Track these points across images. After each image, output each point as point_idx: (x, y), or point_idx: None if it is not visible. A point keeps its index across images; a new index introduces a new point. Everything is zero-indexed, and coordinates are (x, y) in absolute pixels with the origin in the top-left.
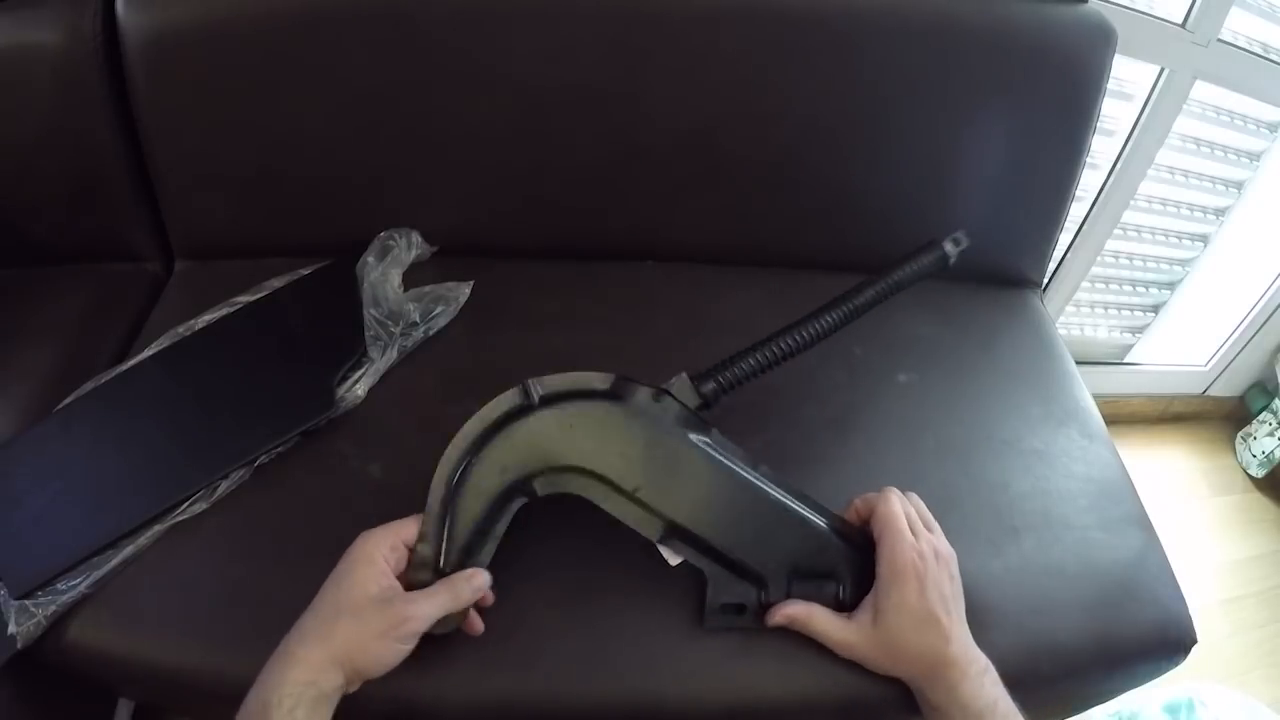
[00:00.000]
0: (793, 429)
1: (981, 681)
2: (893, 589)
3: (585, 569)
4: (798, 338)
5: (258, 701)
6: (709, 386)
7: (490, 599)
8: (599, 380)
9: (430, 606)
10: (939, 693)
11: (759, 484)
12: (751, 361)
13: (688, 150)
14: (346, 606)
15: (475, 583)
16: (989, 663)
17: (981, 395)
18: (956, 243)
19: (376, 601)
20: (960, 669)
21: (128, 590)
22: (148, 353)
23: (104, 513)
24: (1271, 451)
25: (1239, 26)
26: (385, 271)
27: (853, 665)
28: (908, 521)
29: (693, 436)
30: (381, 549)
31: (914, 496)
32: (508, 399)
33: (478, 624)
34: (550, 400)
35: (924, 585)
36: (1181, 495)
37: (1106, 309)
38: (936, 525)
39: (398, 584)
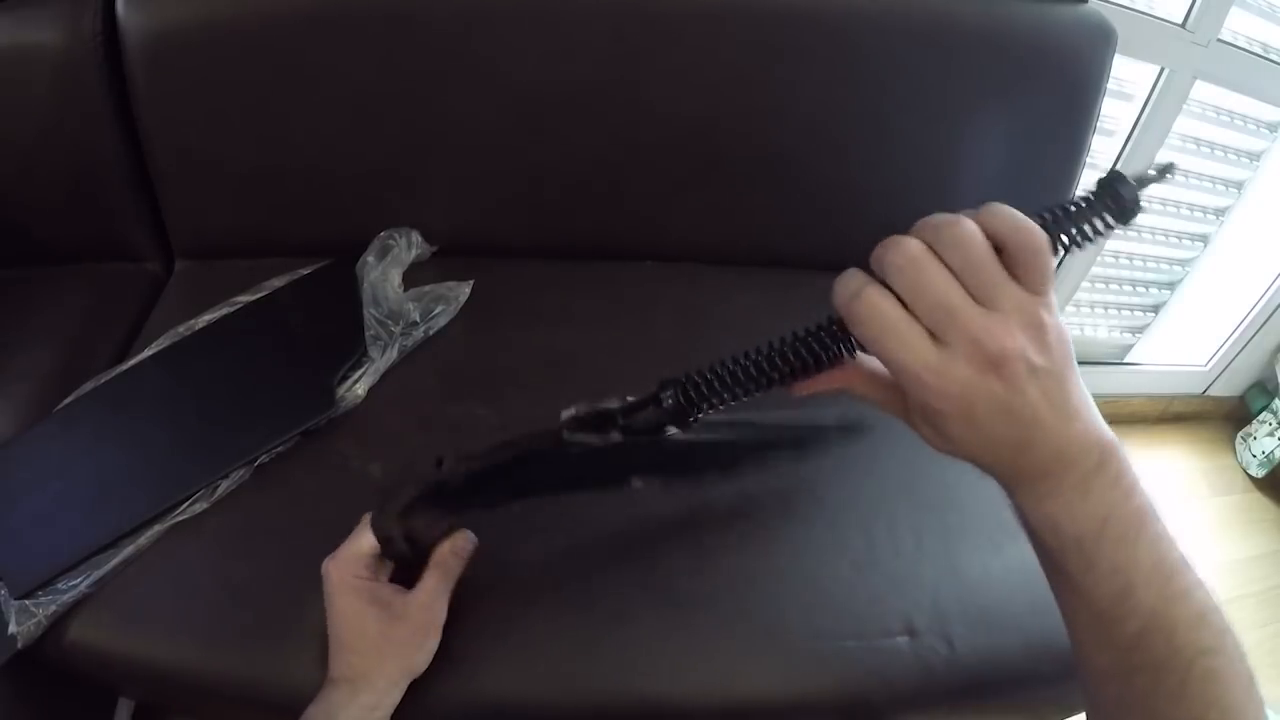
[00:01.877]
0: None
1: (1085, 491)
2: (924, 429)
3: (585, 569)
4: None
5: (323, 716)
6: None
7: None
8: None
9: (437, 596)
10: (1024, 504)
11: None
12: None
13: (688, 150)
14: (379, 639)
15: (459, 550)
16: (1107, 454)
17: None
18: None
19: (393, 619)
20: (1048, 481)
21: (128, 590)
22: (148, 353)
23: (104, 513)
24: (1271, 451)
25: (1239, 26)
26: (385, 271)
27: (852, 666)
28: (933, 300)
29: None
30: (358, 571)
31: (965, 225)
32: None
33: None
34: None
35: (972, 417)
36: (1181, 495)
37: (1106, 309)
38: (1007, 281)
39: (390, 588)
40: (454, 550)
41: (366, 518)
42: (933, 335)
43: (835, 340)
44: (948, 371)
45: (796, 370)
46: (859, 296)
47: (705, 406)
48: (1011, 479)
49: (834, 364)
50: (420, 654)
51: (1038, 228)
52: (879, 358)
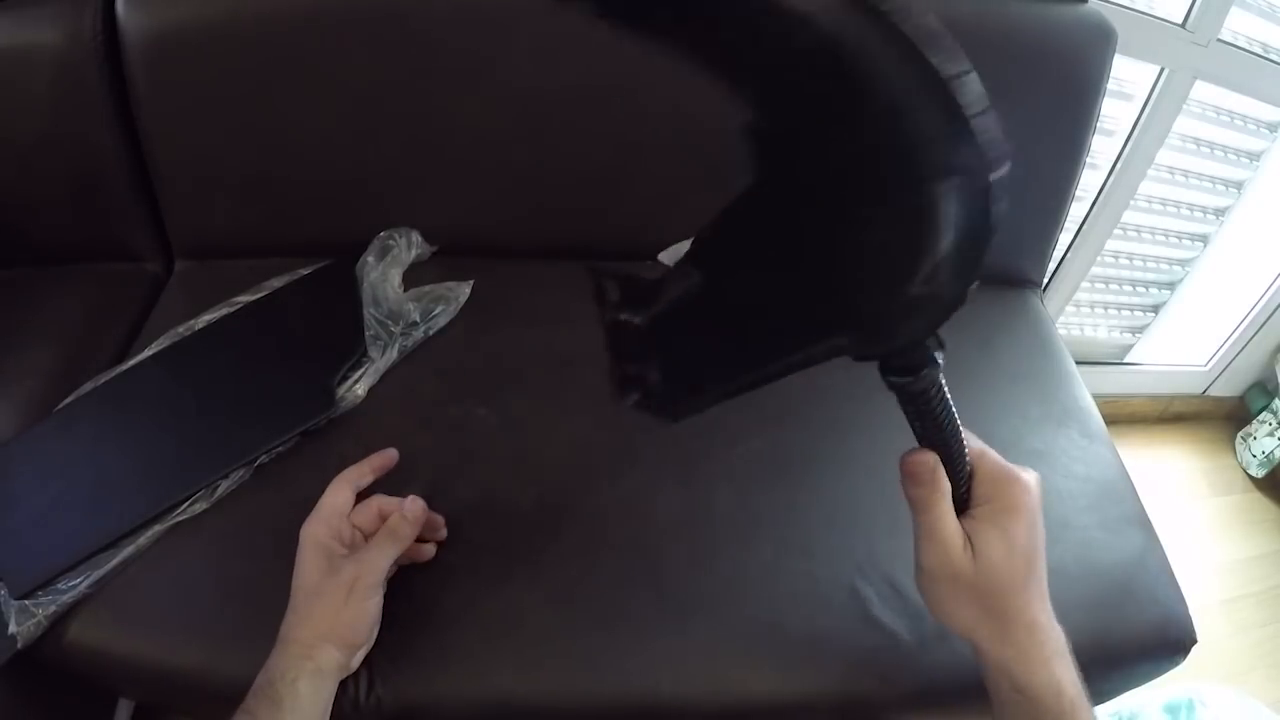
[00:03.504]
0: (793, 429)
1: (1065, 656)
2: (1001, 521)
3: (585, 569)
4: None
5: (264, 680)
6: None
7: (439, 524)
8: None
9: (375, 555)
10: (1025, 666)
11: None
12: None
13: (687, 150)
14: (310, 589)
15: (410, 515)
16: (1065, 642)
17: (981, 395)
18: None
19: (330, 572)
20: (1049, 638)
21: (128, 590)
22: (148, 353)
23: (104, 513)
24: (1271, 451)
25: (1239, 26)
26: (385, 271)
27: (852, 666)
28: None
29: None
30: (318, 530)
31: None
32: None
33: (426, 552)
34: None
35: (1034, 527)
36: (1181, 495)
37: (1106, 309)
38: None
39: (340, 549)
40: (404, 515)
41: (335, 479)
42: None
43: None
44: (1033, 488)
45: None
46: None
47: None
48: (1023, 629)
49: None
50: (347, 614)
51: None
52: (994, 456)
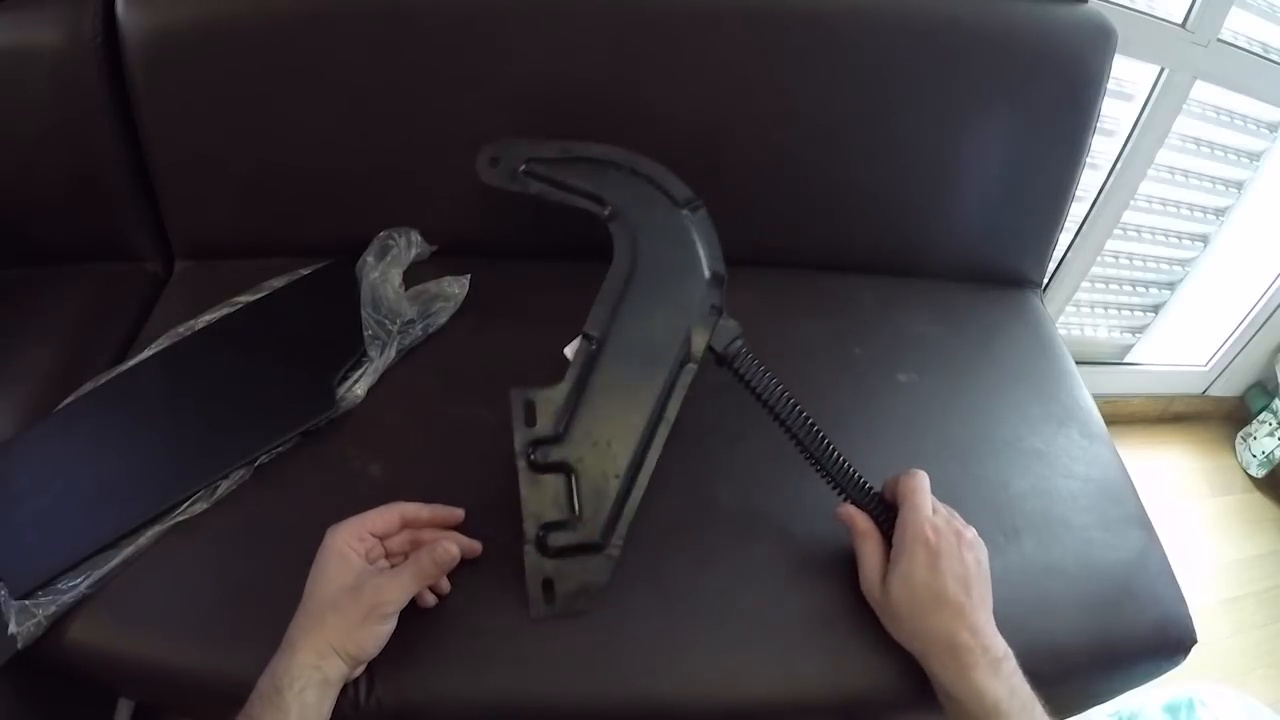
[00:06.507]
0: None
1: (997, 669)
2: (902, 558)
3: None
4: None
5: (269, 685)
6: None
7: (477, 550)
8: None
9: (396, 587)
10: (950, 677)
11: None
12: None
13: (688, 150)
14: (328, 600)
15: (438, 554)
16: (1008, 651)
17: (981, 395)
18: None
19: (351, 590)
20: (973, 655)
21: (128, 590)
22: (148, 353)
23: (104, 513)
24: (1271, 451)
25: (1239, 26)
26: (385, 271)
27: (852, 665)
28: (931, 500)
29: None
30: (350, 541)
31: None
32: None
33: (444, 586)
34: None
35: (936, 559)
36: (1181, 495)
37: (1106, 309)
38: (963, 520)
39: (369, 568)
40: (434, 557)
41: (392, 504)
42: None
43: (886, 506)
44: (934, 522)
45: (851, 493)
46: (922, 476)
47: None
48: (948, 646)
49: (873, 513)
50: (360, 633)
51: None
52: (909, 501)
